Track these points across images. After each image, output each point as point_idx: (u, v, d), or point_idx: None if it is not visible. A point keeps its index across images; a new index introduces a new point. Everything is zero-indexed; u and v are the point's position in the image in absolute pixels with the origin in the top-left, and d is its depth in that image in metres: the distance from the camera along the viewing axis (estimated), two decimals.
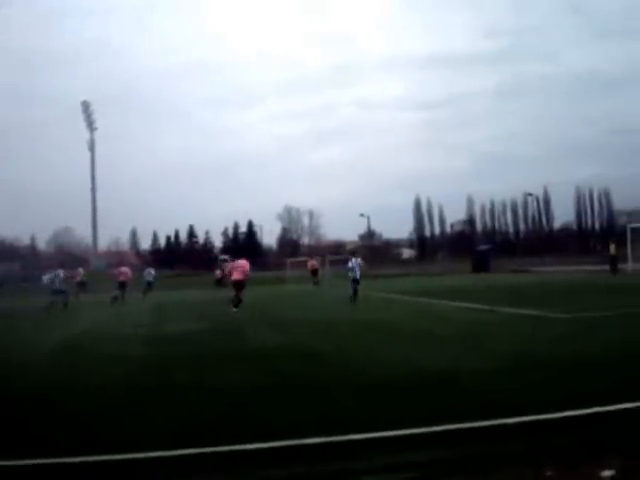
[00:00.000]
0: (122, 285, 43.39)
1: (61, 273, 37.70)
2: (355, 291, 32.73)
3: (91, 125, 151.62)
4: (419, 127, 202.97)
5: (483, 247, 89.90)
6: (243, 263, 31.15)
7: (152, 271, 53.38)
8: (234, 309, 28.63)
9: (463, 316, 22.85)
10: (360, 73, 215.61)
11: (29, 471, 7.33)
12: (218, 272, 54.75)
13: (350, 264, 34.08)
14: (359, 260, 34.70)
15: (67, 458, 7.48)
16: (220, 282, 54.06)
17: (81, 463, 7.37)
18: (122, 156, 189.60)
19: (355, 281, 33.03)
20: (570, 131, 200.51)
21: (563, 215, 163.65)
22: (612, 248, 53.66)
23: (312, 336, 18.98)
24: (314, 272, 61.57)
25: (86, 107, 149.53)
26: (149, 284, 51.44)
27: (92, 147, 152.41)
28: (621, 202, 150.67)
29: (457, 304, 27.70)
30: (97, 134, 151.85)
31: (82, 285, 54.30)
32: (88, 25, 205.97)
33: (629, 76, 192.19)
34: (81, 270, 56.01)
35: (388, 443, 7.55)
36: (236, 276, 30.39)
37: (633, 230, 58.13)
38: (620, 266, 52.37)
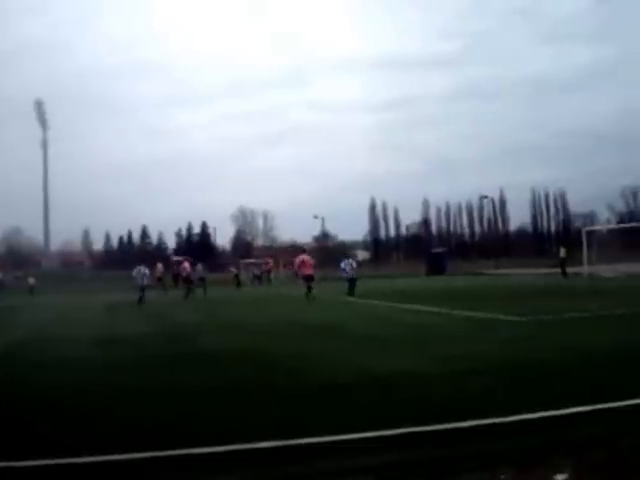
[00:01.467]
0: (187, 280, 45.59)
1: (147, 270, 40.08)
2: (351, 287, 36.98)
3: (44, 124, 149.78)
4: (374, 129, 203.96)
5: (438, 249, 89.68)
6: (309, 258, 37.40)
7: (200, 266, 53.22)
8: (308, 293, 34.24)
9: (415, 319, 22.48)
10: (314, 74, 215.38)
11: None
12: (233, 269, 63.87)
13: (343, 264, 39.02)
14: (351, 261, 39.91)
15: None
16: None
17: None
18: (74, 156, 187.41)
19: (350, 279, 37.48)
20: (524, 134, 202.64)
21: (519, 217, 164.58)
22: (562, 251, 53.55)
23: (259, 339, 18.20)
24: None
25: (39, 106, 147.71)
26: (202, 279, 50.89)
27: (45, 146, 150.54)
28: (577, 205, 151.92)
29: (410, 306, 27.23)
30: (49, 133, 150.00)
31: (160, 280, 55.83)
32: (37, 24, 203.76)
33: (579, 79, 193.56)
34: (160, 266, 56.45)
35: (338, 447, 7.27)
36: (306, 271, 36.10)
37: (589, 233, 58.00)
38: (575, 269, 52.37)
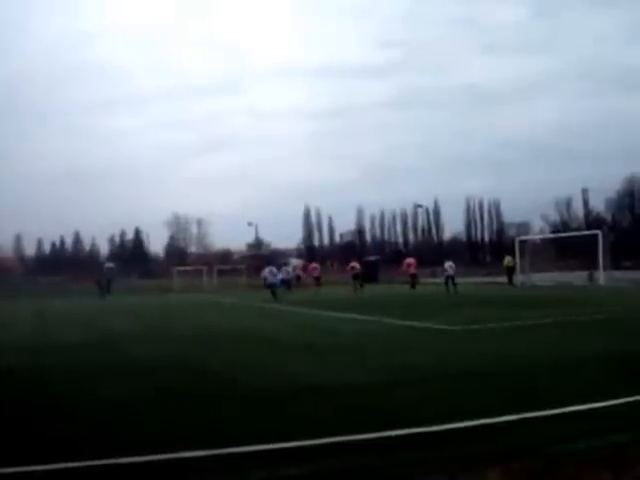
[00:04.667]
0: (318, 279, 54.20)
1: (274, 269, 46.10)
2: (448, 285, 44.04)
3: None
4: (309, 137, 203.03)
5: (371, 258, 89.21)
6: (413, 261, 51.70)
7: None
8: (413, 289, 47.88)
9: (349, 327, 22.42)
10: (251, 81, 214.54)
11: None
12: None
13: (446, 265, 46.53)
14: (451, 263, 46.83)
15: None
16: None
17: None
18: (4, 161, 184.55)
19: (451, 278, 44.46)
20: (460, 143, 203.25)
21: (453, 226, 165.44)
22: (509, 260, 54.20)
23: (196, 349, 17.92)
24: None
25: None
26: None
27: None
28: (511, 215, 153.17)
29: (343, 315, 27.16)
30: None
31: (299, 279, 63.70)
32: None
33: (515, 91, 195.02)
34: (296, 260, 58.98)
35: (269, 456, 7.31)
36: (411, 270, 50.06)
37: (522, 242, 58.39)
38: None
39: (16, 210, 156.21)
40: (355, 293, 46.18)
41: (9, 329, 26.50)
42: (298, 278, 63.00)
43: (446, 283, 44.33)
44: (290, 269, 60.65)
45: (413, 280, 49.71)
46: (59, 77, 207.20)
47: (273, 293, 41.76)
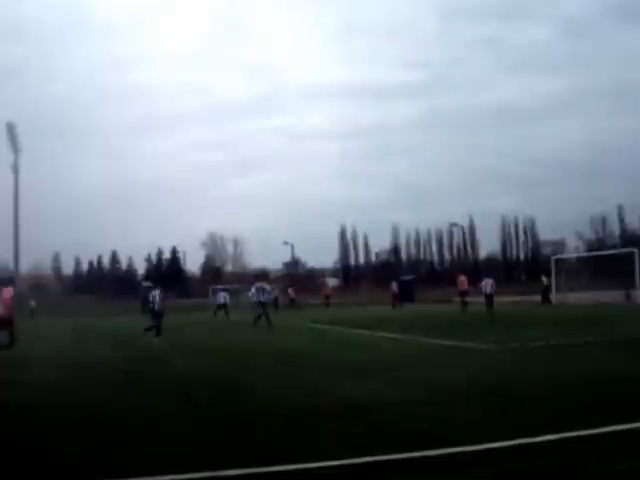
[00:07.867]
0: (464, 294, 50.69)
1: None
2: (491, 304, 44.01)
3: (16, 147, 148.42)
4: (342, 156, 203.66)
5: (407, 277, 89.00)
6: (491, 281, 46.17)
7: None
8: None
9: (385, 346, 22.38)
10: (284, 102, 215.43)
11: None
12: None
13: (483, 283, 46.54)
14: (491, 280, 46.12)
15: None
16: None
17: None
18: (44, 180, 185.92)
19: (489, 296, 44.53)
20: (492, 162, 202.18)
21: (489, 245, 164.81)
22: (544, 279, 53.73)
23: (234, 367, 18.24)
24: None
25: (11, 128, 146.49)
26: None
27: (16, 169, 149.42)
28: (546, 232, 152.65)
29: (380, 334, 27.14)
30: (20, 157, 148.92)
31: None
32: (8, 46, 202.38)
33: (548, 108, 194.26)
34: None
35: (310, 475, 7.23)
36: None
37: (557, 261, 58.16)
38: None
39: (54, 229, 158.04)
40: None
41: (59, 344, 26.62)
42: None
43: (491, 302, 44.66)
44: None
45: (462, 297, 49.25)
46: (100, 99, 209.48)
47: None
